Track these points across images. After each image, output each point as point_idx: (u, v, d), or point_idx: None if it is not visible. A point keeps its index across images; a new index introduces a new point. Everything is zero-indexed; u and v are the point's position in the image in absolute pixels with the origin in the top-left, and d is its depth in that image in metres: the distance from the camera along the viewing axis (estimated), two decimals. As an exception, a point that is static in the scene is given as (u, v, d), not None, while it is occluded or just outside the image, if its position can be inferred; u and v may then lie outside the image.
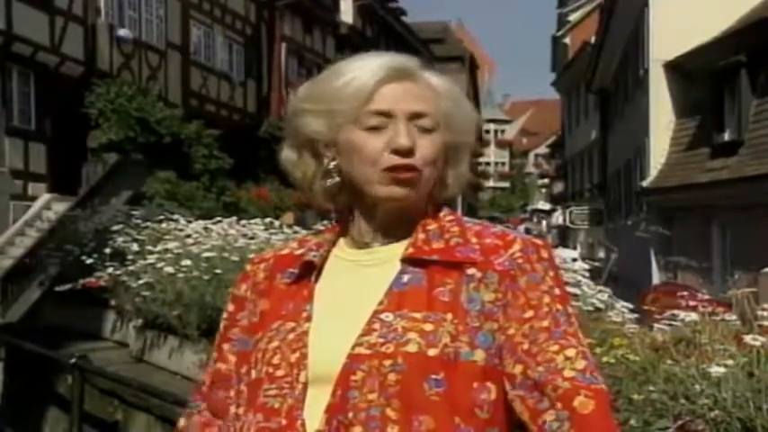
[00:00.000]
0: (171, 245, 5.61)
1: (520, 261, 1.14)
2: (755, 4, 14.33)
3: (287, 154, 1.24)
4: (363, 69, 1.16)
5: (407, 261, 1.16)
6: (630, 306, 4.28)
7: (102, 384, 4.87)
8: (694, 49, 14.81)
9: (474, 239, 1.17)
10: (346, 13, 28.94)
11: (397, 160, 1.13)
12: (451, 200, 1.27)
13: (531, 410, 1.08)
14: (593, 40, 25.46)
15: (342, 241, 1.24)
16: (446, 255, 1.15)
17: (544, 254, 1.17)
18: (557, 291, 1.15)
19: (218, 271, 5.09)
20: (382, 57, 1.19)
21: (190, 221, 6.77)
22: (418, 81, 1.18)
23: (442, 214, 1.21)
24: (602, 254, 24.39)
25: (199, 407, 1.27)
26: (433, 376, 1.06)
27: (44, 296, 9.61)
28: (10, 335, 6.64)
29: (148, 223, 6.82)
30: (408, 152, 1.13)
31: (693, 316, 2.78)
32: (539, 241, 1.21)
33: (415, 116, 1.15)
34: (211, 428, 1.24)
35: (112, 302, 6.36)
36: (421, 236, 1.17)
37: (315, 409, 1.09)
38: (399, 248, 1.18)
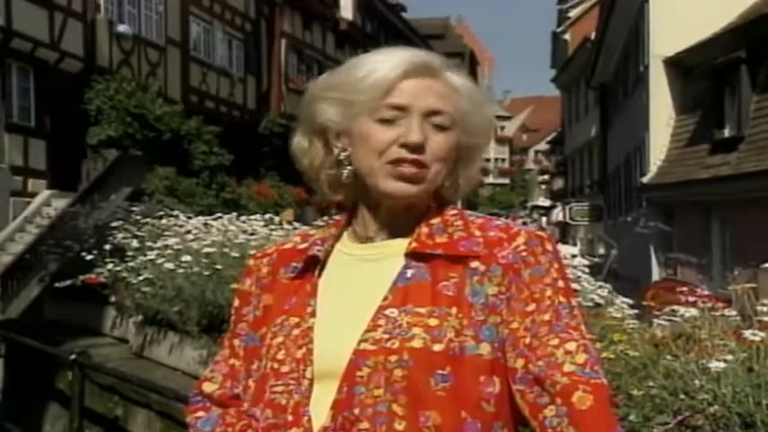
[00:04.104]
0: (171, 241, 5.61)
1: (524, 254, 1.14)
2: (755, 0, 14.31)
3: (298, 140, 1.25)
4: (386, 62, 1.16)
5: (411, 255, 1.15)
6: (630, 302, 4.28)
7: (103, 380, 4.87)
8: (694, 45, 14.80)
9: (477, 233, 1.17)
10: (346, 9, 28.89)
11: (404, 154, 1.13)
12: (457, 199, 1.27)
13: (531, 406, 1.07)
14: (593, 36, 25.43)
15: (345, 236, 1.24)
16: (450, 249, 1.15)
17: (548, 246, 1.17)
18: (560, 283, 1.14)
19: (218, 267, 5.08)
20: (406, 51, 1.18)
21: (190, 217, 6.76)
22: (440, 78, 1.17)
23: (445, 209, 1.20)
24: (601, 250, 24.39)
25: (205, 401, 1.26)
26: (439, 371, 1.06)
27: (44, 292, 9.62)
28: (10, 331, 6.64)
29: (148, 219, 6.81)
30: (417, 148, 1.13)
31: (693, 311, 2.78)
32: (543, 234, 1.20)
33: (431, 113, 1.15)
34: (229, 419, 1.22)
35: (112, 299, 6.34)
36: (424, 230, 1.17)
37: (321, 405, 1.09)
38: (403, 243, 1.17)
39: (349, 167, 1.19)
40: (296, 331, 1.15)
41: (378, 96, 1.14)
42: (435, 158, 1.15)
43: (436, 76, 1.17)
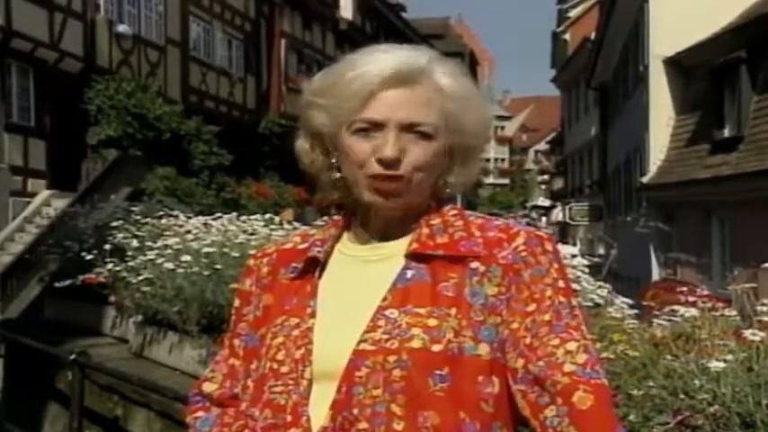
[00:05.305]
0: (171, 241, 5.62)
1: (524, 254, 1.14)
2: (755, 0, 14.31)
3: (301, 142, 1.24)
4: (369, 68, 1.13)
5: (411, 256, 1.15)
6: (630, 302, 4.28)
7: (102, 380, 4.88)
8: (694, 45, 14.80)
9: (477, 233, 1.16)
10: (346, 9, 28.88)
11: (380, 170, 1.12)
12: (452, 197, 1.26)
13: (532, 405, 1.07)
14: (593, 36, 25.43)
15: (345, 237, 1.24)
16: (450, 249, 1.15)
17: (548, 246, 1.16)
18: (560, 283, 1.14)
19: (218, 267, 5.09)
20: (392, 55, 1.15)
21: (189, 217, 6.77)
22: (424, 83, 1.14)
23: (445, 209, 1.20)
24: (601, 250, 24.41)
25: (205, 401, 1.27)
26: (438, 372, 1.06)
27: (44, 292, 9.62)
28: (10, 331, 6.64)
29: (148, 219, 6.81)
30: (393, 163, 1.11)
31: (693, 311, 2.79)
32: (543, 233, 1.19)
33: (409, 125, 1.13)
34: (226, 419, 1.23)
35: (112, 298, 6.35)
36: (425, 231, 1.17)
37: (320, 406, 1.09)
38: (403, 244, 1.17)
39: (338, 173, 1.19)
40: (296, 332, 1.14)
41: (355, 108, 1.13)
42: (415, 168, 1.13)
43: (421, 80, 1.14)
